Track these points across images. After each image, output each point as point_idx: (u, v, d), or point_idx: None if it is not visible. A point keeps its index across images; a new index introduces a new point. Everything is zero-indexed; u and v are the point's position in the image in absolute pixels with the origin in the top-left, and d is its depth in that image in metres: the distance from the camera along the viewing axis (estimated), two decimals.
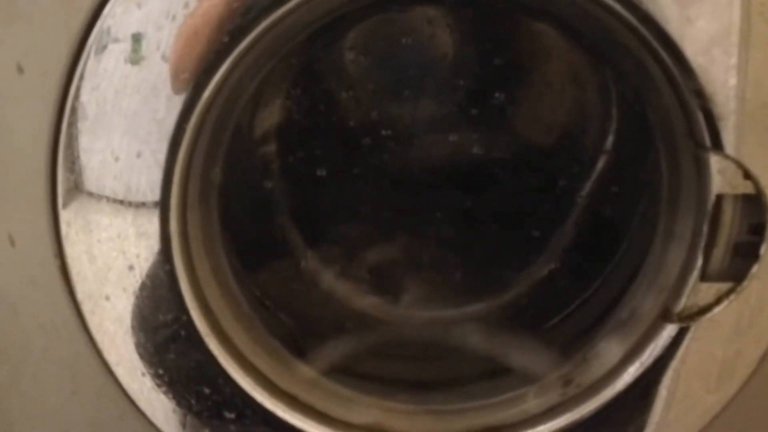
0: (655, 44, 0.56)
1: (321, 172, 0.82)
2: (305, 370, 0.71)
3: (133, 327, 0.62)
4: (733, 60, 0.55)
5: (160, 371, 0.63)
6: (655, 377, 0.64)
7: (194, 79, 0.56)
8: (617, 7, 0.55)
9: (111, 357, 0.63)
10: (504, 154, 0.82)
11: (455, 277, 0.84)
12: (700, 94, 0.56)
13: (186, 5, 0.54)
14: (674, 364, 0.64)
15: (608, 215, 0.81)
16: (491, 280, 0.83)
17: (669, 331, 0.63)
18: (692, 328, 0.62)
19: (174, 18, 0.54)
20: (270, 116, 0.79)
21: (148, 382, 0.63)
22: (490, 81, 0.80)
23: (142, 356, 0.62)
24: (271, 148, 0.81)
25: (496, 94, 0.80)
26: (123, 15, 0.54)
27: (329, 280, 0.84)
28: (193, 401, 0.64)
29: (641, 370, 0.64)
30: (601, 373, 0.67)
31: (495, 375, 0.72)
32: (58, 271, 0.61)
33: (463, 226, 0.83)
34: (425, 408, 0.71)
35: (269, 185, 0.82)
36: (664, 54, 0.56)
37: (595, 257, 0.78)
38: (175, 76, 0.55)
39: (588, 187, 0.82)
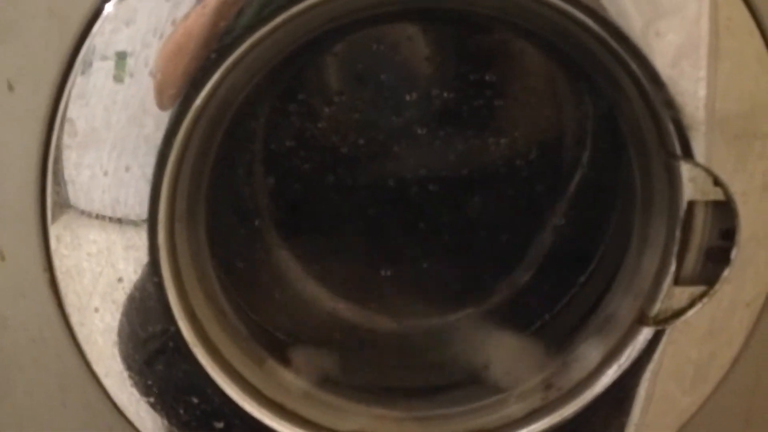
0: (627, 58, 0.58)
1: (307, 185, 0.82)
2: (293, 381, 0.72)
3: (121, 338, 0.62)
4: (702, 72, 0.57)
5: (149, 382, 0.63)
6: (633, 379, 0.65)
7: (180, 95, 0.56)
8: (590, 23, 0.57)
9: (100, 368, 0.63)
10: (484, 165, 0.83)
11: (437, 286, 0.84)
12: (671, 105, 0.58)
13: (173, 23, 0.55)
14: (651, 366, 0.65)
15: (585, 223, 0.82)
16: (473, 288, 0.84)
17: (645, 334, 0.64)
18: (667, 331, 0.64)
19: (161, 36, 0.55)
20: (257, 129, 0.80)
21: (136, 393, 0.63)
22: (470, 94, 0.81)
23: (130, 367, 0.63)
24: (258, 160, 0.82)
25: (477, 107, 0.81)
26: (111, 33, 0.55)
27: (315, 291, 0.85)
28: (181, 411, 0.64)
29: (619, 372, 0.66)
30: (581, 377, 0.68)
31: (478, 380, 0.73)
32: (47, 285, 0.61)
33: (445, 236, 0.84)
34: (411, 414, 0.71)
35: (255, 198, 0.83)
36: (635, 67, 0.58)
37: (573, 264, 0.80)
38: (161, 92, 0.56)
39: (565, 195, 0.84)
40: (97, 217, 0.59)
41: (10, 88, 0.57)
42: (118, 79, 0.56)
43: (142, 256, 0.60)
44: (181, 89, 0.57)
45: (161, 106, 0.57)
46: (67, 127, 0.57)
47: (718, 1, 0.56)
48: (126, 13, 0.55)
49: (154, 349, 0.63)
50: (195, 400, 0.64)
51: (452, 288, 0.85)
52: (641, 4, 0.56)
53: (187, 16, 0.55)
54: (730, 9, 0.57)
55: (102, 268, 0.60)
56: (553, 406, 0.68)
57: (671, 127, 0.59)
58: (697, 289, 0.63)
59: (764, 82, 0.58)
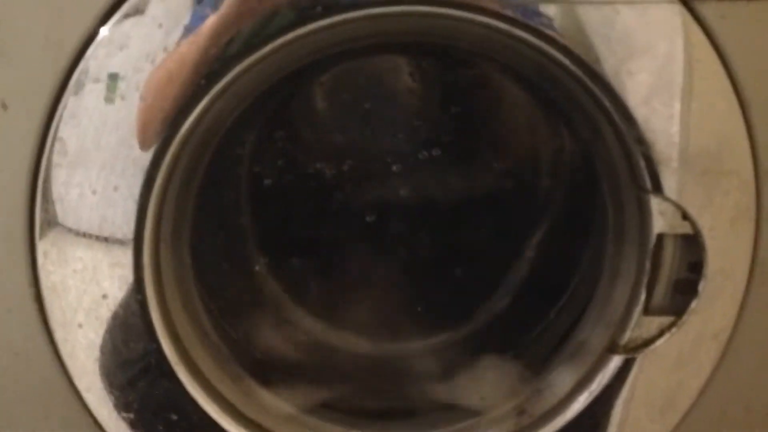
0: (600, 95, 0.60)
1: (290, 209, 0.83)
2: (272, 401, 0.72)
3: (103, 355, 0.62)
4: (672, 110, 0.59)
5: (130, 398, 0.64)
6: (604, 406, 0.67)
7: (169, 120, 0.58)
8: (565, 61, 0.59)
9: (81, 384, 0.63)
10: (462, 194, 0.84)
11: (415, 311, 0.85)
12: (642, 141, 0.60)
13: (165, 49, 0.57)
14: (622, 393, 0.66)
15: (559, 253, 0.83)
16: (450, 315, 0.85)
17: (616, 362, 0.66)
18: (637, 360, 0.65)
19: (153, 61, 0.57)
20: (243, 154, 0.81)
21: (117, 410, 0.64)
22: (451, 126, 0.82)
23: (111, 384, 0.63)
24: (243, 184, 0.83)
25: (457, 139, 0.83)
26: (105, 57, 0.57)
27: (295, 312, 0.86)
28: (160, 428, 0.65)
29: (590, 399, 0.67)
30: (553, 403, 0.69)
31: (453, 405, 0.74)
32: (32, 299, 0.62)
33: (424, 262, 0.85)
34: None
35: (239, 220, 0.84)
36: (608, 104, 0.60)
37: (548, 293, 0.81)
38: (148, 118, 0.58)
39: (541, 226, 0.85)
40: (84, 235, 0.60)
41: (4, 107, 0.58)
42: (109, 100, 0.58)
43: (127, 274, 0.61)
44: (170, 114, 0.58)
45: (143, 144, 0.58)
46: (57, 146, 0.58)
47: (690, 42, 0.59)
48: (120, 38, 0.57)
49: (136, 366, 0.63)
50: (174, 417, 0.65)
51: (430, 313, 0.86)
52: (614, 44, 0.58)
53: (179, 44, 0.57)
54: (700, 51, 0.59)
55: (87, 285, 0.61)
56: (526, 431, 0.69)
57: (642, 163, 0.61)
58: (666, 320, 0.64)
59: (731, 121, 0.60)
